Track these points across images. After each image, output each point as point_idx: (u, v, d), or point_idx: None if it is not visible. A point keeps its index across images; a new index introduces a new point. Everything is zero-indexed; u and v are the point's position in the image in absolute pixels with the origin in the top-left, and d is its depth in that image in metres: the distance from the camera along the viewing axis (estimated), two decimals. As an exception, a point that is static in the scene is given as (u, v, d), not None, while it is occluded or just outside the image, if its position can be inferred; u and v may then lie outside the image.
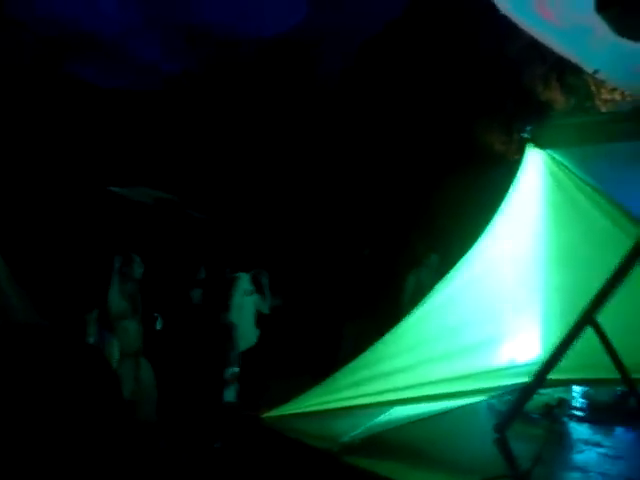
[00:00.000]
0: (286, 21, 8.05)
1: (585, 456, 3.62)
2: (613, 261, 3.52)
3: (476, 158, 7.66)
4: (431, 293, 4.72)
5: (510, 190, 4.72)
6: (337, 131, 9.15)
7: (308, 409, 4.47)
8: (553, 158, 4.61)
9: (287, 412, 4.51)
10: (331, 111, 9.05)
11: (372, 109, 9.02)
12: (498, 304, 4.64)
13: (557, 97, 6.14)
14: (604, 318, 3.58)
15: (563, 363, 3.73)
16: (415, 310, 4.75)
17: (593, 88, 5.96)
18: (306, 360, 6.82)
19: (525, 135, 4.75)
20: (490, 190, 5.10)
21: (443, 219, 7.55)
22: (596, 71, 4.71)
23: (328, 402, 4.45)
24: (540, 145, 4.66)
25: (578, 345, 3.67)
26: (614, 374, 3.65)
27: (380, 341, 4.61)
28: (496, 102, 7.77)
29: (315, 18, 8.18)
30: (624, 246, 3.47)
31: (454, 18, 8.26)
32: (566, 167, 4.56)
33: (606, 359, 3.63)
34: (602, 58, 3.61)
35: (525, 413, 4.23)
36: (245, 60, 8.64)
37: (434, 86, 8.63)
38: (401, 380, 4.53)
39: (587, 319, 3.61)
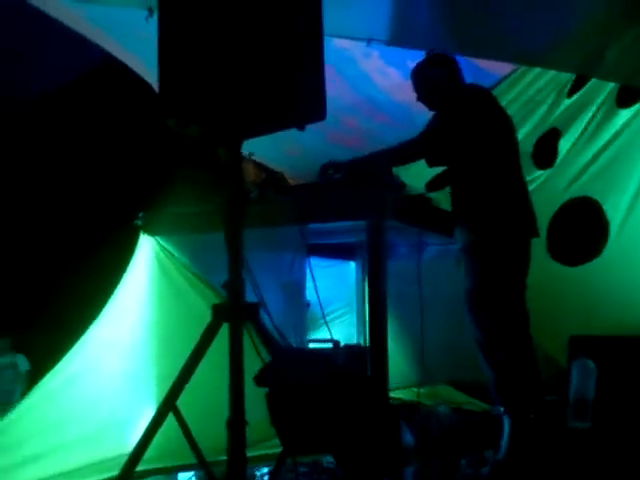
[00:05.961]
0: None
1: None
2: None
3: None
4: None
5: (123, 276, 4.67)
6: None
7: None
8: (161, 245, 4.71)
9: None
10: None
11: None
12: (104, 396, 4.41)
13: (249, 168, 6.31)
14: (186, 402, 3.54)
15: (149, 453, 3.58)
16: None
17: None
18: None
19: (137, 222, 4.80)
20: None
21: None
22: (251, 154, 5.00)
23: None
24: (150, 232, 4.73)
25: (164, 432, 3.56)
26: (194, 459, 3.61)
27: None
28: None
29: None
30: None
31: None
32: (171, 253, 4.68)
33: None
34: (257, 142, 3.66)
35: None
36: None
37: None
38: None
39: (169, 404, 3.54)
